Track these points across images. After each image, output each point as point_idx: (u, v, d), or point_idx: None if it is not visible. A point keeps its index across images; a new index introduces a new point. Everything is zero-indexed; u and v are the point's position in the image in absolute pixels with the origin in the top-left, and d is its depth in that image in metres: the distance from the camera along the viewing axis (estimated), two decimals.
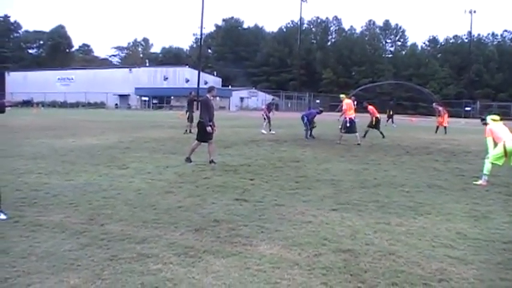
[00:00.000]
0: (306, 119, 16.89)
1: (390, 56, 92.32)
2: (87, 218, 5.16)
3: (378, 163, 10.39)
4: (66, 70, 78.58)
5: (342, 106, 15.58)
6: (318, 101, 74.54)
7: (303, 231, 4.84)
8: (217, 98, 67.47)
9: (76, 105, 64.53)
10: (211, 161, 9.51)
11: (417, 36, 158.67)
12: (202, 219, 5.20)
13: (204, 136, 9.47)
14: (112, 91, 66.80)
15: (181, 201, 6.07)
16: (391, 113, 28.36)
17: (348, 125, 14.81)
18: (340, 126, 15.28)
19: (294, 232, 4.78)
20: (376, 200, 6.40)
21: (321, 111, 18.03)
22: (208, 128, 9.26)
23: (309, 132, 16.79)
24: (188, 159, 9.60)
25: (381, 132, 17.59)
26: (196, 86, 63.46)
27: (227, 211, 5.60)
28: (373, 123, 17.65)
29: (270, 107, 20.67)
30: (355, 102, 20.80)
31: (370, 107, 18.18)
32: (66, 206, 5.72)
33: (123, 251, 4.10)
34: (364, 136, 16.61)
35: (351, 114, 14.97)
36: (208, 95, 9.64)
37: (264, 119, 19.76)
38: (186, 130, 17.89)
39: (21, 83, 73.70)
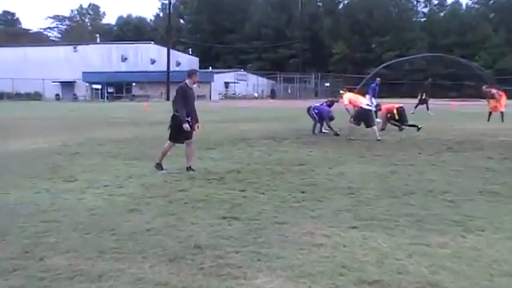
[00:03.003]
0: (315, 113, 16.86)
1: (423, 20, 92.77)
2: (20, 250, 5.10)
3: (409, 164, 10.42)
4: None
5: (344, 104, 16.19)
6: (327, 84, 74.92)
7: (313, 257, 4.83)
8: (195, 85, 67.48)
9: None
10: (189, 168, 9.52)
11: None
12: (179, 246, 5.18)
13: (178, 135, 9.48)
14: (50, 77, 66.02)
15: (150, 223, 6.05)
16: (423, 96, 28.05)
17: (360, 115, 15.28)
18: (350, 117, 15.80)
19: (301, 259, 4.78)
20: (410, 213, 6.42)
21: (333, 103, 18.17)
22: (185, 125, 9.26)
23: (319, 126, 16.82)
24: (159, 166, 9.60)
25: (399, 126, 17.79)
26: (165, 69, 63.64)
27: (212, 233, 5.58)
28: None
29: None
30: (377, 85, 21.14)
31: (385, 108, 18.58)
32: None
33: None
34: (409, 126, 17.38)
35: (363, 102, 15.52)
36: (187, 81, 9.67)
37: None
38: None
39: None
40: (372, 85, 21.84)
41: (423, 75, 77.64)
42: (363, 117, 15.21)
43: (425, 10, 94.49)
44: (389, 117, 17.87)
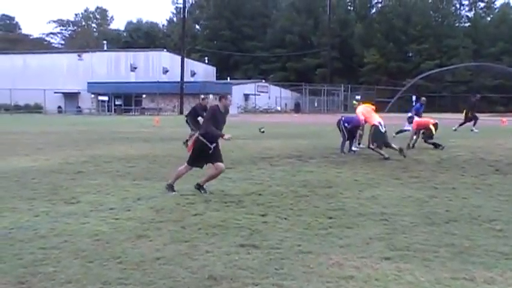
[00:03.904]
0: (345, 125, 16.72)
1: (468, 25, 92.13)
2: (15, 281, 5.13)
3: (451, 187, 10.33)
4: None
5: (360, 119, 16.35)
6: (358, 97, 74.70)
7: None
8: (210, 96, 68.00)
9: None
10: (199, 186, 9.58)
11: None
12: (192, 277, 5.19)
13: (199, 159, 9.59)
14: (52, 87, 66.97)
15: (160, 250, 6.07)
16: (470, 114, 27.56)
17: (378, 134, 15.36)
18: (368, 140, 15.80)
19: None
20: (451, 243, 6.36)
21: None
22: (227, 136, 9.41)
23: (348, 143, 16.74)
24: (170, 188, 9.66)
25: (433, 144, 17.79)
26: (179, 79, 64.14)
27: (228, 263, 5.58)
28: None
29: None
30: (422, 106, 21.18)
31: (416, 121, 18.55)
32: None
33: None
34: (439, 146, 17.45)
35: (376, 119, 15.61)
36: (218, 104, 9.76)
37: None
38: (187, 140, 18.23)
39: None
40: (417, 105, 21.73)
41: (466, 88, 77.32)
42: (379, 135, 15.28)
43: (470, 14, 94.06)
44: (424, 134, 18.00)
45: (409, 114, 19.80)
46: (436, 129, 17.93)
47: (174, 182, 9.73)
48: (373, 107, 16.58)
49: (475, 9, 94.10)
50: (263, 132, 20.63)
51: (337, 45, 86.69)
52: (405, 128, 20.63)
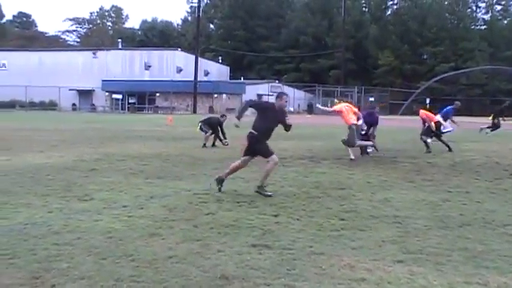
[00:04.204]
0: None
1: (484, 28, 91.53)
2: (29, 275, 5.17)
3: (465, 191, 10.27)
4: None
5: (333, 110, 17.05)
6: (371, 99, 74.59)
7: None
8: (224, 96, 68.36)
9: (11, 104, 64.62)
10: (260, 189, 9.56)
11: None
12: (204, 276, 5.20)
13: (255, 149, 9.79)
14: (67, 85, 67.45)
15: (172, 249, 6.09)
16: (496, 119, 27.34)
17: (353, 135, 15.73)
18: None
19: None
20: (464, 247, 6.32)
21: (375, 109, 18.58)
22: (236, 122, 9.68)
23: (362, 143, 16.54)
24: (220, 182, 9.70)
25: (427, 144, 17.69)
26: (193, 78, 64.30)
27: (240, 263, 5.58)
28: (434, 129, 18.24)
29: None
30: (454, 110, 20.79)
31: (422, 112, 19.04)
32: None
33: None
34: (428, 148, 17.38)
35: (352, 118, 15.91)
36: (275, 103, 9.91)
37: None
38: (214, 143, 18.85)
39: None
40: (448, 108, 20.63)
41: (481, 91, 76.85)
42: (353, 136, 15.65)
43: (486, 17, 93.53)
44: (426, 130, 18.35)
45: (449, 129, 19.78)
46: (436, 128, 18.21)
47: (227, 176, 9.84)
48: (355, 108, 16.76)
49: (491, 12, 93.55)
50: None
51: (352, 47, 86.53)
52: (445, 129, 20.50)
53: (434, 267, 5.54)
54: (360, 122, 15.93)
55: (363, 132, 16.70)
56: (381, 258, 5.82)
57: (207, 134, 18.52)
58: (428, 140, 17.65)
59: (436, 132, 18.29)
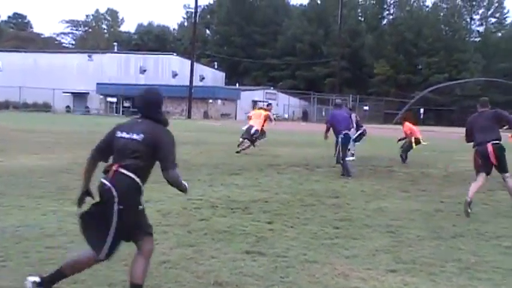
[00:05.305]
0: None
1: (478, 40, 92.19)
2: (21, 279, 5.07)
3: (458, 202, 10.26)
4: None
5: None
6: (366, 108, 74.86)
7: None
8: (219, 102, 68.34)
9: (5, 105, 64.57)
10: (469, 203, 8.96)
11: None
12: (197, 282, 5.19)
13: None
14: (62, 87, 67.37)
15: (166, 254, 6.08)
16: None
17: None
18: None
19: None
20: (458, 258, 6.33)
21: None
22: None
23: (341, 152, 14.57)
24: (467, 206, 8.91)
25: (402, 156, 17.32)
26: (188, 83, 64.33)
27: (234, 269, 5.58)
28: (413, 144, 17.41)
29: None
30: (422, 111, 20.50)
31: (407, 125, 18.03)
32: None
33: None
34: (404, 159, 17.07)
35: (254, 123, 17.68)
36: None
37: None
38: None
39: None
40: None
41: (475, 102, 77.00)
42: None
43: (481, 29, 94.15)
44: (404, 144, 17.56)
45: None
46: (416, 144, 17.33)
47: (471, 197, 9.12)
48: (266, 113, 19.00)
49: (486, 24, 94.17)
50: None
51: (347, 56, 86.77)
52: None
53: (428, 278, 5.56)
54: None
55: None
56: (374, 268, 5.83)
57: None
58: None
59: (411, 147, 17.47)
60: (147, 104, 4.92)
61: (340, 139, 13.94)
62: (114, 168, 4.57)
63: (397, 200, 10.27)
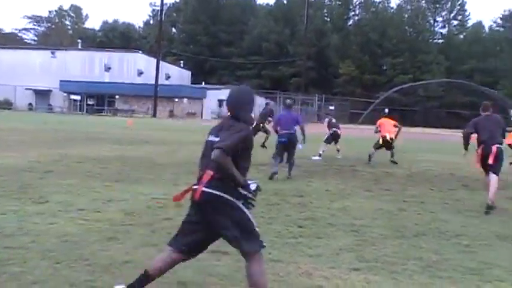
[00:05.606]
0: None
1: (441, 42, 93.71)
2: None
3: (420, 201, 10.45)
4: None
5: None
6: (331, 108, 75.27)
7: None
8: (185, 100, 68.01)
9: None
10: (490, 207, 9.48)
11: (484, 11, 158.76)
12: (161, 282, 5.14)
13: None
14: (23, 84, 66.42)
15: (129, 253, 6.04)
16: None
17: None
18: None
19: None
20: (419, 256, 6.43)
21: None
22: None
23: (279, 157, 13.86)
24: (490, 209, 9.50)
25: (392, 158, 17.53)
26: (153, 82, 63.90)
27: (198, 269, 5.57)
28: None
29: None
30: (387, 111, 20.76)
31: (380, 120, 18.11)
32: None
33: None
34: (370, 159, 17.21)
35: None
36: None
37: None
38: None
39: None
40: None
41: (438, 103, 78.43)
42: None
43: (444, 31, 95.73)
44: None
45: None
46: (383, 144, 17.43)
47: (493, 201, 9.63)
48: None
49: (448, 27, 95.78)
50: None
51: (313, 55, 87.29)
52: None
53: (390, 276, 5.62)
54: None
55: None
56: (337, 266, 5.88)
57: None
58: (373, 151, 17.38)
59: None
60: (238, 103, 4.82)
61: (278, 141, 13.78)
62: None
63: (361, 199, 10.37)
